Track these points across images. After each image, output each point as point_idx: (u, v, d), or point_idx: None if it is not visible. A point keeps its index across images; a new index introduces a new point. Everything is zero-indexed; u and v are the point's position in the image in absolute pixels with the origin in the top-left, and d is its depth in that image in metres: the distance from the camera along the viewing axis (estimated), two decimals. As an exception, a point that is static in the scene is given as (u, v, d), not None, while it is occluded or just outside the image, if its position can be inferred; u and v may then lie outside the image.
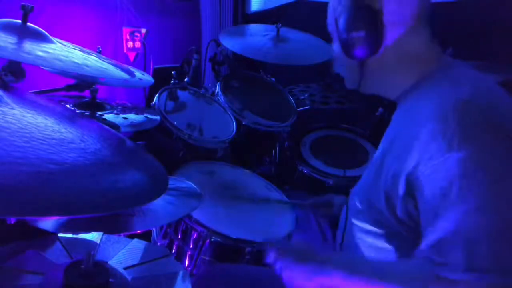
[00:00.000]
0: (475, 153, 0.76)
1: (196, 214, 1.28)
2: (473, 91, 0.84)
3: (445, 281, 0.74)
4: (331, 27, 0.99)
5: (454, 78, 0.88)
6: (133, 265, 0.95)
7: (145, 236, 1.38)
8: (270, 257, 0.96)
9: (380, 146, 1.02)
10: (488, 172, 0.75)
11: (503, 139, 0.78)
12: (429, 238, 0.78)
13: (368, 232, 0.97)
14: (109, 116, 1.47)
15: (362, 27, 0.89)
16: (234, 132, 1.73)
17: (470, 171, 0.75)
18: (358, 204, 1.02)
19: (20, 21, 0.97)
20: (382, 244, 0.94)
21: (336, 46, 1.00)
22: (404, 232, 0.89)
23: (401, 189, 0.86)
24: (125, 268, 0.92)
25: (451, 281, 0.74)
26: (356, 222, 1.02)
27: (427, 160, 0.79)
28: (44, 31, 0.99)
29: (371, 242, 0.97)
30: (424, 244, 0.79)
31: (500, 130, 0.79)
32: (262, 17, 2.80)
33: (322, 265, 0.88)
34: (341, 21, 0.92)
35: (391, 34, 0.90)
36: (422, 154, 0.81)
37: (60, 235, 0.98)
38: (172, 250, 1.37)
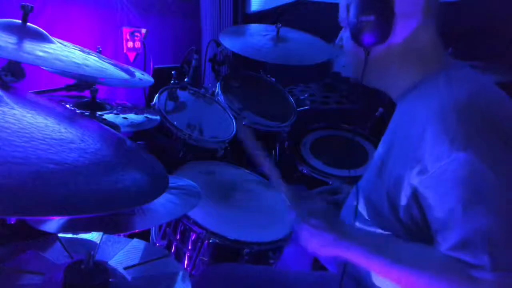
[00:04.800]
0: (481, 152, 0.75)
1: (195, 215, 1.28)
2: (471, 92, 0.84)
3: (479, 282, 0.74)
4: (342, 13, 0.99)
5: (453, 79, 0.88)
6: (133, 265, 0.95)
7: (144, 237, 1.38)
8: (294, 214, 0.95)
9: (380, 148, 1.01)
10: (496, 170, 0.75)
11: (504, 138, 0.78)
12: (448, 241, 0.78)
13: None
14: (109, 116, 1.47)
15: (373, 12, 0.89)
16: (234, 132, 1.73)
17: (478, 171, 0.75)
18: (359, 205, 1.01)
19: (20, 21, 0.96)
20: None
21: (345, 34, 1.00)
22: (402, 234, 0.89)
23: (404, 193, 0.85)
24: (125, 268, 0.92)
25: (483, 281, 0.73)
26: (357, 223, 1.02)
27: (432, 163, 0.79)
28: (44, 31, 0.99)
29: None
30: (444, 247, 0.78)
31: (498, 131, 0.79)
32: (262, 17, 2.80)
33: (345, 237, 0.88)
34: (353, 5, 0.92)
35: (400, 26, 0.90)
36: (426, 157, 0.80)
37: (60, 235, 0.98)
38: (171, 251, 1.37)
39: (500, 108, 0.85)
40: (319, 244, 0.91)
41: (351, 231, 0.91)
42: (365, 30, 0.91)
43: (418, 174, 0.82)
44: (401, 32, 0.90)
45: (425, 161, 0.81)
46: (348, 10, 0.94)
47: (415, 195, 0.84)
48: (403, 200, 0.86)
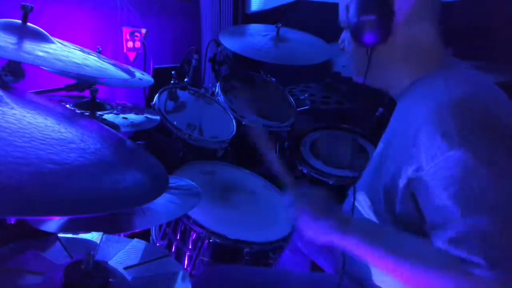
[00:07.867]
0: (475, 150, 0.76)
1: (195, 215, 1.28)
2: (466, 91, 0.84)
3: (473, 277, 0.74)
4: (342, 14, 0.99)
5: (451, 78, 0.88)
6: (133, 265, 0.95)
7: (144, 236, 1.38)
8: (289, 199, 0.96)
9: (379, 146, 1.02)
10: (490, 169, 0.75)
11: (499, 137, 0.79)
12: (442, 237, 0.78)
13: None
14: (109, 116, 1.47)
15: (373, 11, 0.90)
16: (234, 132, 1.73)
17: (472, 169, 0.75)
18: (356, 202, 1.02)
19: (20, 21, 0.96)
20: None
21: (345, 34, 1.00)
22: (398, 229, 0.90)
23: (400, 190, 0.86)
24: (125, 268, 0.92)
25: (477, 277, 0.73)
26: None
27: (429, 160, 0.79)
28: (44, 31, 0.99)
29: None
30: (438, 243, 0.79)
31: (496, 129, 0.79)
32: (262, 17, 2.80)
33: (342, 225, 0.88)
34: (352, 6, 0.93)
35: (400, 25, 0.90)
36: (422, 155, 0.81)
37: (60, 235, 0.98)
38: (171, 251, 1.37)
39: (497, 106, 0.85)
40: (316, 230, 0.91)
41: (348, 219, 0.91)
42: (366, 29, 0.91)
43: (414, 171, 0.82)
44: (401, 31, 0.91)
45: (421, 159, 0.81)
46: (347, 11, 0.95)
47: (411, 192, 0.84)
48: (400, 197, 0.86)
